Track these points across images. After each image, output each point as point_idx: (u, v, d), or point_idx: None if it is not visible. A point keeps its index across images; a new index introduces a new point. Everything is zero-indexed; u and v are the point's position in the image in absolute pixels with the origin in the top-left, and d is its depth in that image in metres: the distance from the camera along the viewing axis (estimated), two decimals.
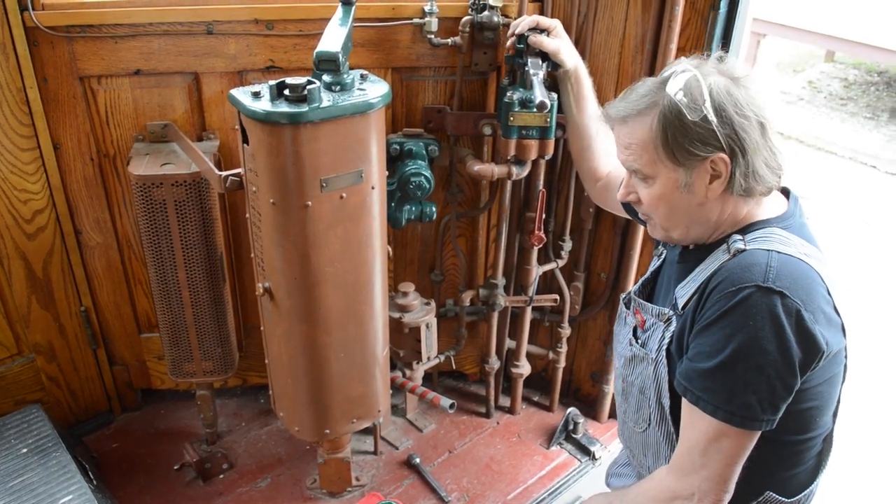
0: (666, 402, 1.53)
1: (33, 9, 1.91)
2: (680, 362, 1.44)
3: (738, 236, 1.39)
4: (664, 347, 1.51)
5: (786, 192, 1.49)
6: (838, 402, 1.49)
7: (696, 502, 1.39)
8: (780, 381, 1.30)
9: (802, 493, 1.52)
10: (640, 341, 1.60)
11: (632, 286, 2.06)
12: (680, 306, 1.47)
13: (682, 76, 1.34)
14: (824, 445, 1.51)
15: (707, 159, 1.34)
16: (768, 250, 1.33)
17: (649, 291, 1.71)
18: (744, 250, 1.35)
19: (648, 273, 1.73)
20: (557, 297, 2.49)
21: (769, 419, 1.32)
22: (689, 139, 1.33)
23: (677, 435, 1.53)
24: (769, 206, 1.44)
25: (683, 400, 1.40)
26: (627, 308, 1.68)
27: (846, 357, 1.44)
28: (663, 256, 1.70)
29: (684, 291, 1.46)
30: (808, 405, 1.39)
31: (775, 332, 1.27)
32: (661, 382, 1.53)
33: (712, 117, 1.31)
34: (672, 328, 1.49)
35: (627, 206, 1.88)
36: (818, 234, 1.48)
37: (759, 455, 1.39)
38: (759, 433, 1.35)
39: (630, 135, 1.41)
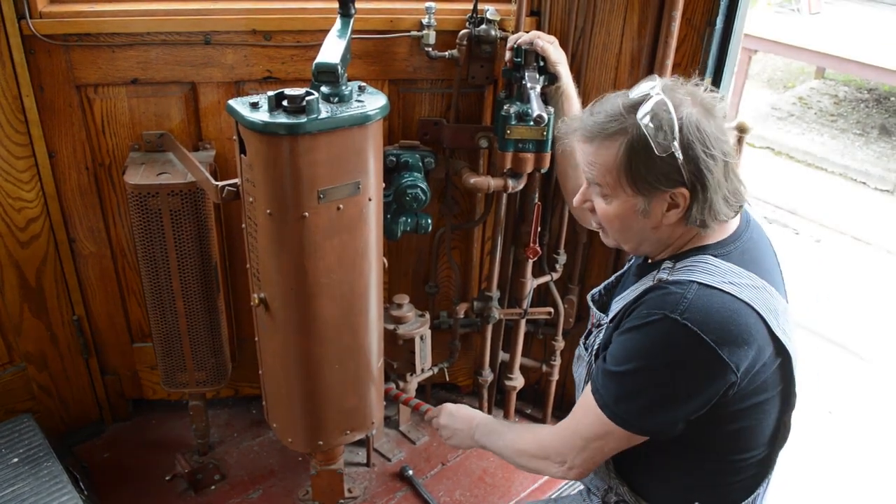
0: None
1: (30, 17, 1.91)
2: None
3: (669, 263, 1.42)
4: (593, 352, 1.56)
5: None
6: (784, 429, 1.49)
7: (564, 469, 1.52)
8: (665, 398, 1.36)
9: None
10: (586, 342, 1.66)
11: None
12: (609, 317, 1.52)
13: (653, 103, 1.31)
14: (759, 470, 1.51)
15: (668, 192, 1.35)
16: (690, 281, 1.34)
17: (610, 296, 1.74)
18: (666, 280, 1.37)
19: (612, 277, 1.74)
20: (552, 309, 2.50)
21: (649, 429, 1.39)
22: (654, 173, 1.33)
23: None
24: (716, 230, 1.42)
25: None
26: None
27: (794, 384, 1.43)
28: (631, 263, 1.71)
29: (617, 305, 1.51)
30: (732, 427, 1.42)
31: (671, 355, 1.33)
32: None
33: (679, 155, 1.30)
34: (601, 336, 1.54)
35: None
36: (780, 248, 1.50)
37: (687, 466, 1.47)
38: (642, 437, 1.41)
39: (594, 154, 1.38)
